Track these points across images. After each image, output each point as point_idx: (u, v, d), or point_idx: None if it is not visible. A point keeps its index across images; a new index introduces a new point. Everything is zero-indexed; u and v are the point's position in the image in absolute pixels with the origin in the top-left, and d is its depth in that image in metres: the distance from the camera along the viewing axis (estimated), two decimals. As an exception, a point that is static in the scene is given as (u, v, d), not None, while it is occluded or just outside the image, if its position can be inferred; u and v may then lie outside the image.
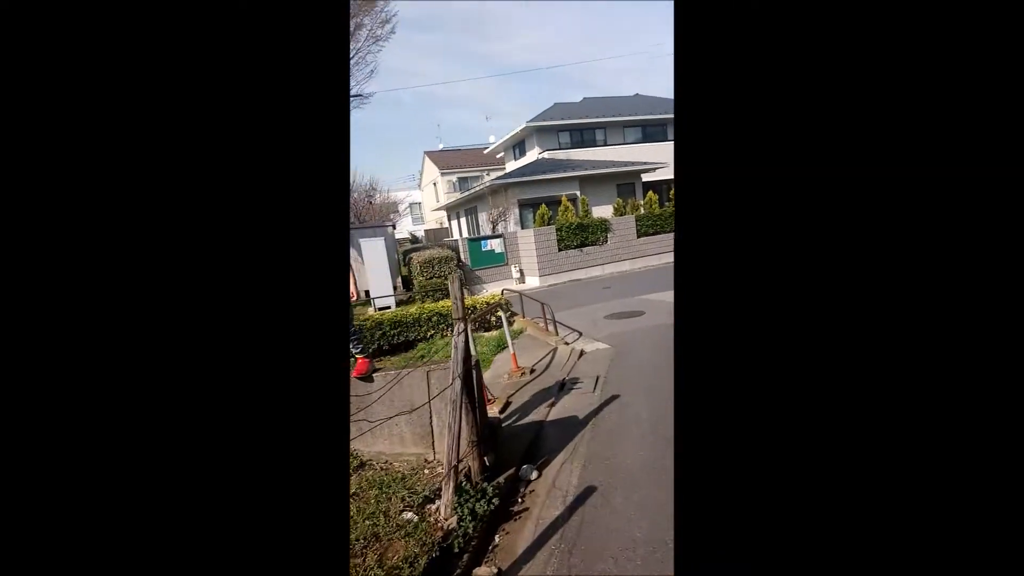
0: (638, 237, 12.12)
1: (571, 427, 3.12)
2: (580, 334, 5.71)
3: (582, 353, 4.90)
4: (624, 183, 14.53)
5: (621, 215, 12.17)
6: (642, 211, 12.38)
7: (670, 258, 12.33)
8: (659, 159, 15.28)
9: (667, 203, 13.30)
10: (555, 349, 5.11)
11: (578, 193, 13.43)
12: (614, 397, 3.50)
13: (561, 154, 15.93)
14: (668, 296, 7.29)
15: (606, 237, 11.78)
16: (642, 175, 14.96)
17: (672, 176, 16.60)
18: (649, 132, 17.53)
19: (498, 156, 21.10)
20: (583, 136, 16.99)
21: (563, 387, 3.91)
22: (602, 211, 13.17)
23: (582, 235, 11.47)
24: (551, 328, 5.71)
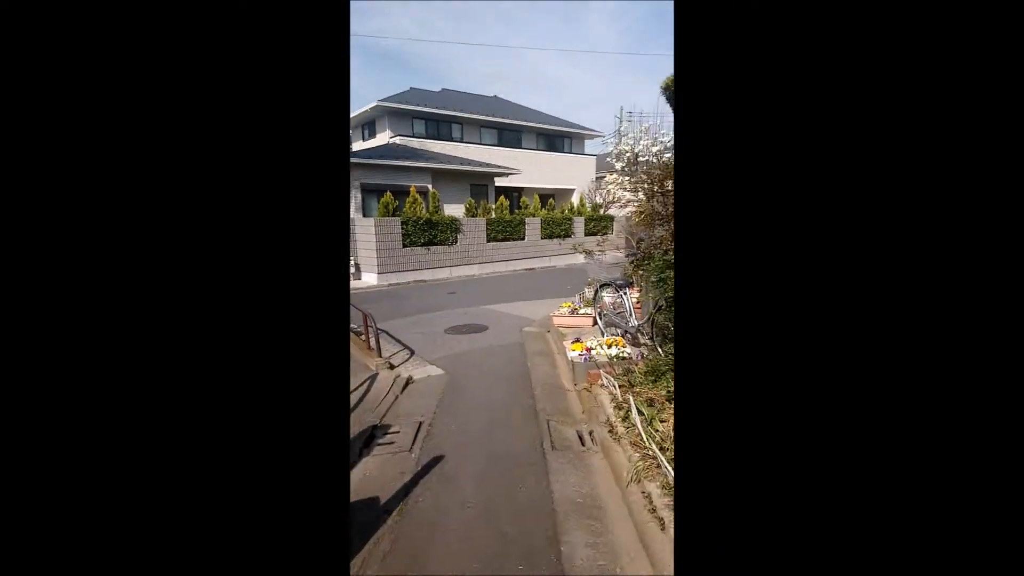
0: (488, 241, 11.66)
1: (367, 520, 2.07)
2: (412, 352, 4.67)
3: (408, 382, 3.87)
4: (478, 184, 14.01)
5: (473, 216, 11.53)
6: (493, 215, 11.98)
7: (518, 265, 12.24)
8: (514, 165, 15.26)
9: (517, 210, 13.23)
10: (375, 375, 3.96)
11: (430, 186, 12.35)
12: (437, 460, 2.56)
13: (415, 142, 14.60)
14: (515, 308, 6.79)
15: (456, 238, 10.98)
16: (495, 179, 14.69)
17: (523, 185, 16.91)
18: (506, 137, 17.51)
19: (343, 133, 18.52)
20: (439, 128, 15.96)
21: (370, 440, 2.81)
22: (453, 210, 12.35)
23: (431, 232, 10.43)
24: (374, 345, 4.53)
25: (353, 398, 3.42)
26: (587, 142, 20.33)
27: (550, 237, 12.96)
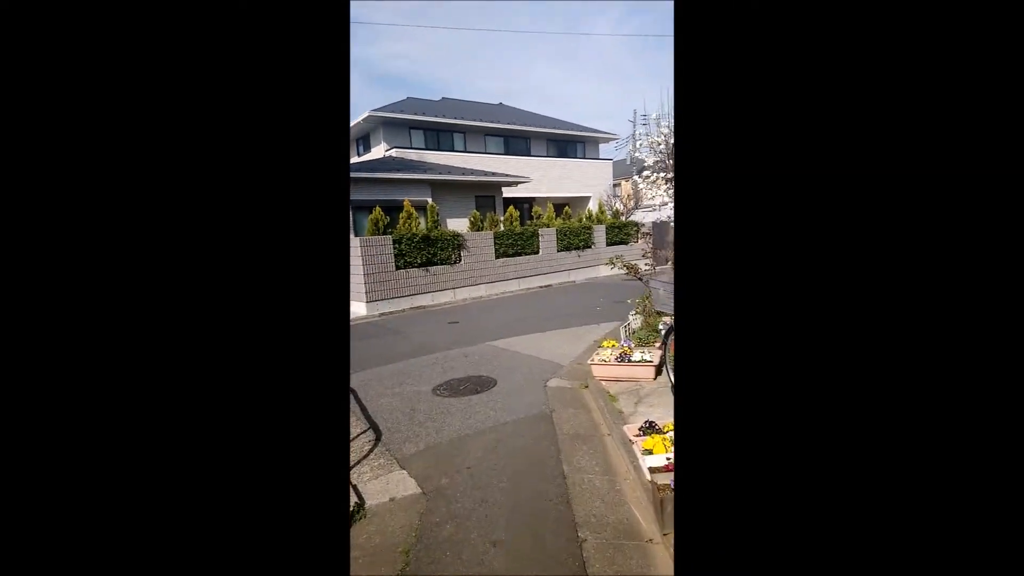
0: (497, 258, 10.04)
1: None
2: (377, 438, 3.00)
3: (355, 515, 2.19)
4: (484, 195, 12.48)
5: (478, 230, 9.95)
6: (502, 227, 10.40)
7: (532, 283, 10.57)
8: (523, 174, 13.75)
9: (528, 221, 11.64)
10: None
11: (429, 200, 10.85)
12: None
13: (413, 154, 13.22)
14: (532, 345, 5.05)
15: (459, 255, 9.39)
16: (503, 189, 13.17)
17: (534, 195, 15.38)
18: (513, 144, 16.08)
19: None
20: (439, 139, 14.60)
21: None
22: (457, 225, 10.81)
23: (429, 250, 8.86)
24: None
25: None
26: (601, 147, 18.80)
27: (567, 249, 11.30)
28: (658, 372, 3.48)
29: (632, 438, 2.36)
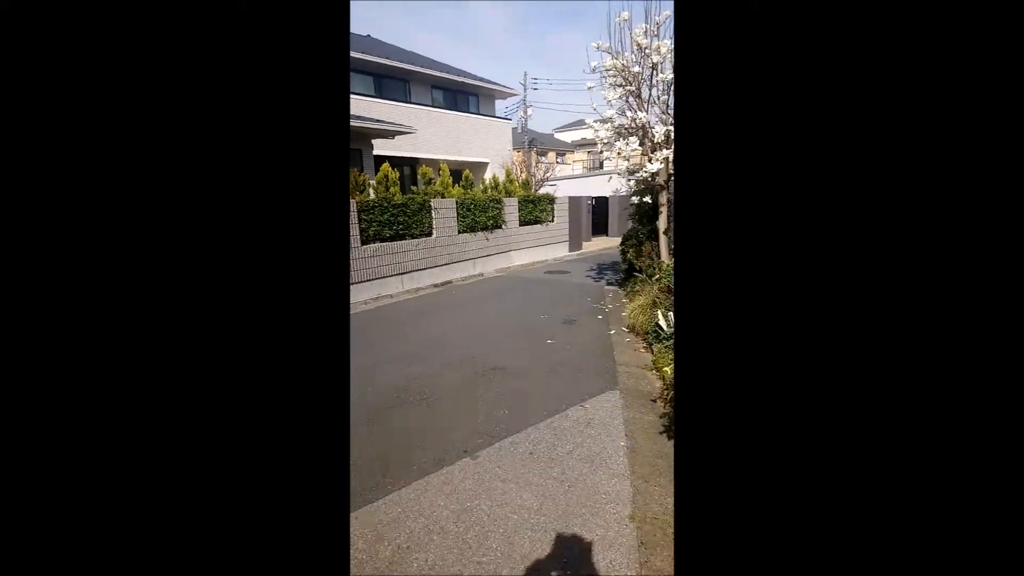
0: (364, 243, 6.42)
1: None
2: None
3: None
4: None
5: (331, 197, 6.12)
6: (373, 195, 6.73)
7: (421, 280, 7.12)
8: (404, 123, 10.01)
9: (414, 188, 8.12)
10: None
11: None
12: None
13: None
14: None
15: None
16: (373, 142, 9.31)
17: (417, 155, 11.73)
18: (387, 87, 12.03)
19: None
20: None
21: None
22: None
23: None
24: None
25: None
26: (498, 104, 15.71)
27: (472, 230, 8.12)
28: None
29: None
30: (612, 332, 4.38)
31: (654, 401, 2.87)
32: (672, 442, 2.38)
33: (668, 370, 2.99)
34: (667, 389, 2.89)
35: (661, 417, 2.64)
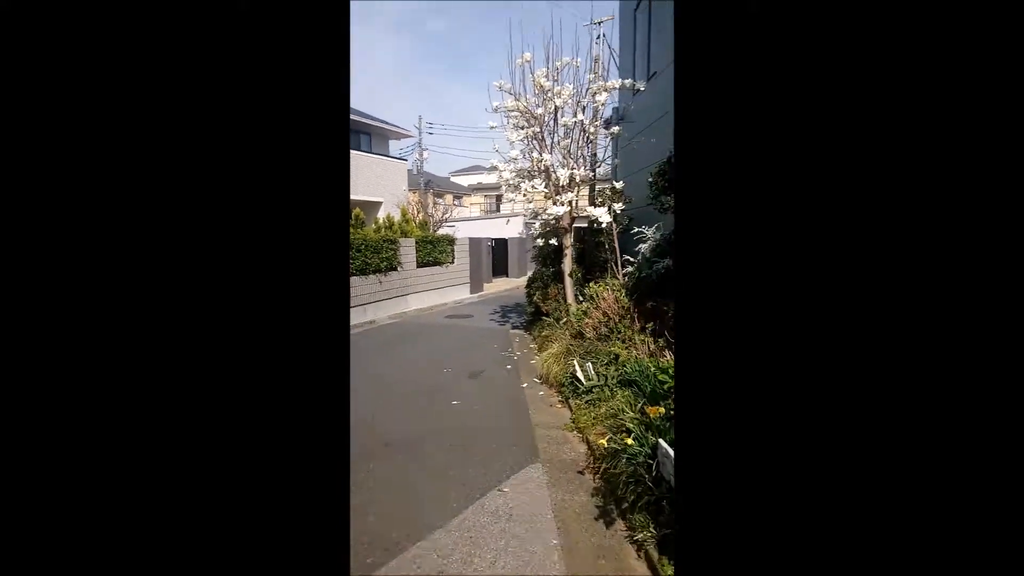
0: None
1: None
2: None
3: None
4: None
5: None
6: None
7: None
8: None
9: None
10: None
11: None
12: None
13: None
14: None
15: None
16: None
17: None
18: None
19: None
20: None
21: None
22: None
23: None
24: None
25: None
26: (392, 144, 15.24)
27: (364, 272, 7.29)
28: None
29: None
30: (524, 385, 3.98)
31: (581, 473, 2.48)
32: (610, 530, 1.98)
33: (592, 434, 2.65)
34: (592, 458, 2.53)
35: (593, 495, 2.24)
